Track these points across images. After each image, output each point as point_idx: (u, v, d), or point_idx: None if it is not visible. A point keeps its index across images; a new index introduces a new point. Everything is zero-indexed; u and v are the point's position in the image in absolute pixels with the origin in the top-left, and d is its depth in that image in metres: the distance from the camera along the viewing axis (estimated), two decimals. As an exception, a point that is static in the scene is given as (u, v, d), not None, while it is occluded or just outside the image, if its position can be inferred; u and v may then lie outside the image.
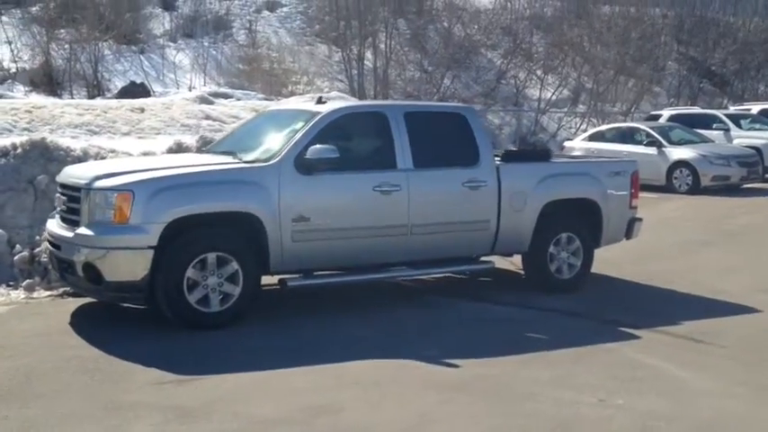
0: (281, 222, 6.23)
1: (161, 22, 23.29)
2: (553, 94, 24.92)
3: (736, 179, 15.81)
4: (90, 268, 5.91)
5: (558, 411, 4.61)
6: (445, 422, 4.47)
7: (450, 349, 5.67)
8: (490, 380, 5.12)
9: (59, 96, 17.49)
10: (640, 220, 8.13)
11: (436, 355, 5.51)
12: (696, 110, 21.23)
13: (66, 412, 4.50)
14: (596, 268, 7.94)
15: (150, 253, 5.84)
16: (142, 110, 12.89)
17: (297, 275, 6.50)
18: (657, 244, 9.86)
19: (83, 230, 5.97)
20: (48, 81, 18.73)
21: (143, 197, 5.85)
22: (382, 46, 22.96)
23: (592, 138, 17.57)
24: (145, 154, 9.36)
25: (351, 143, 6.95)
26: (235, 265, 6.09)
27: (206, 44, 22.52)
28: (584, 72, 26.10)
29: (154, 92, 18.59)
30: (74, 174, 6.51)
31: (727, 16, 31.45)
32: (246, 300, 6.17)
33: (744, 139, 17.86)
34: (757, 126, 18.70)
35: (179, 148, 9.80)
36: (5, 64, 18.94)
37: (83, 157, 8.83)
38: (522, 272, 7.88)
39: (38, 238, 7.72)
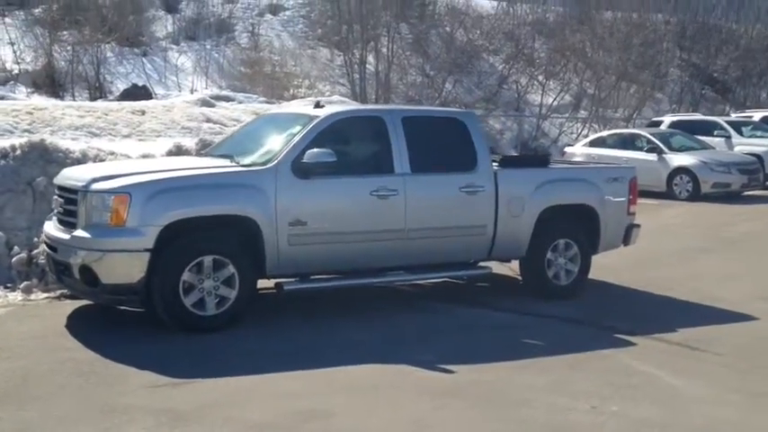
0: (277, 226, 6.24)
1: (164, 25, 23.36)
2: (555, 99, 24.93)
3: (736, 186, 15.80)
4: (86, 270, 5.92)
5: (552, 418, 4.61)
6: (439, 428, 4.47)
7: (446, 355, 5.66)
8: (485, 386, 5.12)
9: (61, 98, 17.54)
10: (638, 226, 8.13)
11: (432, 360, 5.51)
12: (697, 116, 21.22)
13: (60, 414, 4.51)
14: (595, 274, 7.94)
15: (146, 256, 5.85)
16: (143, 112, 12.93)
17: (293, 279, 6.51)
18: (656, 250, 9.86)
19: (79, 233, 5.98)
20: (50, 83, 18.77)
21: (140, 200, 5.86)
22: (384, 50, 23.00)
23: (593, 143, 17.57)
24: (144, 156, 9.39)
25: (348, 147, 6.96)
26: (231, 269, 6.09)
27: (208, 47, 22.58)
28: (586, 78, 26.13)
29: (156, 94, 18.62)
30: (71, 176, 6.52)
31: (729, 23, 31.46)
32: (242, 303, 6.17)
33: (745, 146, 17.85)
34: (758, 133, 18.68)
35: (178, 151, 9.83)
36: (8, 65, 18.99)
37: (82, 159, 8.85)
38: (520, 277, 7.88)
39: (36, 239, 7.73)
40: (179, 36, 23.02)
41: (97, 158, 9.10)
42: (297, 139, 6.50)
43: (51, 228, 6.51)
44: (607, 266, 8.29)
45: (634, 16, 28.66)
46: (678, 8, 30.62)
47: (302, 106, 9.96)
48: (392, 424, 4.50)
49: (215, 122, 13.24)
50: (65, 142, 9.56)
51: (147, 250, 5.85)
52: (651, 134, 16.97)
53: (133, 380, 5.05)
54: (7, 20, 20.80)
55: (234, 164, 6.55)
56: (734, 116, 21.71)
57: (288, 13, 25.90)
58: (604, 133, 18.85)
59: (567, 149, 18.25)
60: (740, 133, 18.55)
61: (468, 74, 24.63)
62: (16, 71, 18.91)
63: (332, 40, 24.38)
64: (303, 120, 6.81)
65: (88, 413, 4.52)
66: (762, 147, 17.67)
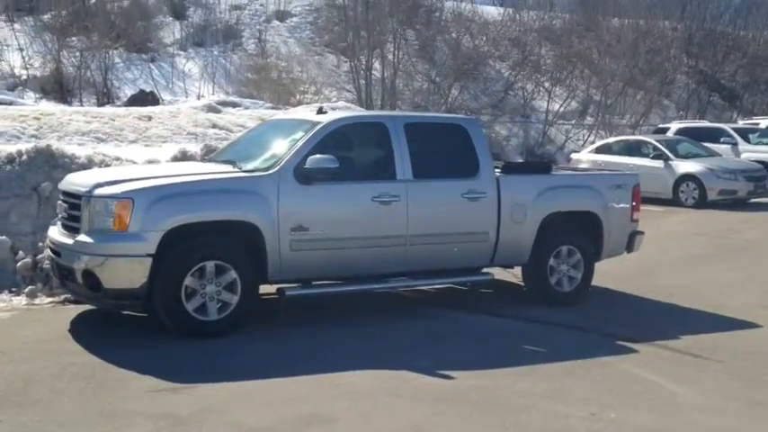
0: (279, 232, 6.26)
1: (171, 31, 23.47)
2: (561, 105, 24.93)
3: (742, 193, 15.76)
4: (89, 275, 5.95)
5: (550, 424, 4.61)
6: (437, 434, 4.48)
7: (447, 361, 5.67)
8: (484, 392, 5.12)
9: (69, 104, 17.64)
10: (642, 233, 8.11)
11: (432, 366, 5.51)
12: (704, 123, 21.20)
13: (61, 418, 4.53)
14: (598, 281, 7.93)
15: (149, 261, 5.88)
16: (149, 118, 12.98)
17: (295, 285, 6.52)
18: (661, 257, 9.84)
19: (82, 238, 6.01)
20: (58, 88, 18.90)
21: (142, 205, 5.89)
22: (390, 56, 23.05)
23: (599, 150, 17.54)
24: (149, 162, 9.43)
25: (351, 153, 6.99)
26: (233, 274, 6.12)
27: (215, 53, 22.68)
28: (593, 84, 26.12)
29: (163, 100, 18.73)
30: (75, 181, 6.56)
31: (736, 30, 31.40)
32: (244, 308, 6.19)
33: (751, 153, 17.82)
34: (765, 140, 18.65)
35: (183, 157, 9.86)
36: (17, 71, 19.12)
37: (87, 165, 8.88)
38: (523, 284, 7.88)
39: (41, 244, 7.77)
40: (186, 42, 23.13)
41: (103, 164, 9.13)
42: (299, 144, 6.53)
43: (55, 233, 6.55)
44: (611, 273, 8.28)
45: (641, 23, 28.67)
46: (685, 15, 30.59)
47: (307, 112, 9.99)
48: (392, 429, 4.51)
49: (221, 128, 13.27)
50: (71, 148, 9.60)
51: (149, 255, 5.87)
52: (657, 141, 16.94)
53: (134, 384, 5.07)
54: (16, 26, 20.96)
55: (236, 169, 6.58)
56: (741, 123, 21.67)
57: (295, 19, 26.00)
58: (610, 140, 18.81)
59: (573, 156, 18.23)
60: (747, 140, 18.53)
61: (475, 80, 24.65)
62: (25, 77, 19.05)
63: (338, 47, 24.45)
64: (306, 126, 6.83)
65: (88, 417, 4.54)
66: (768, 154, 17.65)
